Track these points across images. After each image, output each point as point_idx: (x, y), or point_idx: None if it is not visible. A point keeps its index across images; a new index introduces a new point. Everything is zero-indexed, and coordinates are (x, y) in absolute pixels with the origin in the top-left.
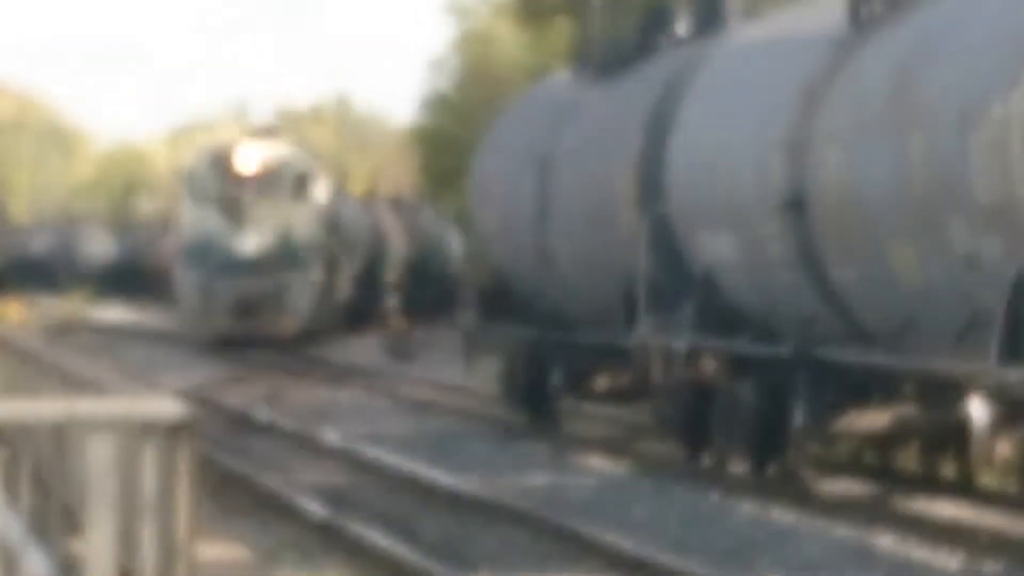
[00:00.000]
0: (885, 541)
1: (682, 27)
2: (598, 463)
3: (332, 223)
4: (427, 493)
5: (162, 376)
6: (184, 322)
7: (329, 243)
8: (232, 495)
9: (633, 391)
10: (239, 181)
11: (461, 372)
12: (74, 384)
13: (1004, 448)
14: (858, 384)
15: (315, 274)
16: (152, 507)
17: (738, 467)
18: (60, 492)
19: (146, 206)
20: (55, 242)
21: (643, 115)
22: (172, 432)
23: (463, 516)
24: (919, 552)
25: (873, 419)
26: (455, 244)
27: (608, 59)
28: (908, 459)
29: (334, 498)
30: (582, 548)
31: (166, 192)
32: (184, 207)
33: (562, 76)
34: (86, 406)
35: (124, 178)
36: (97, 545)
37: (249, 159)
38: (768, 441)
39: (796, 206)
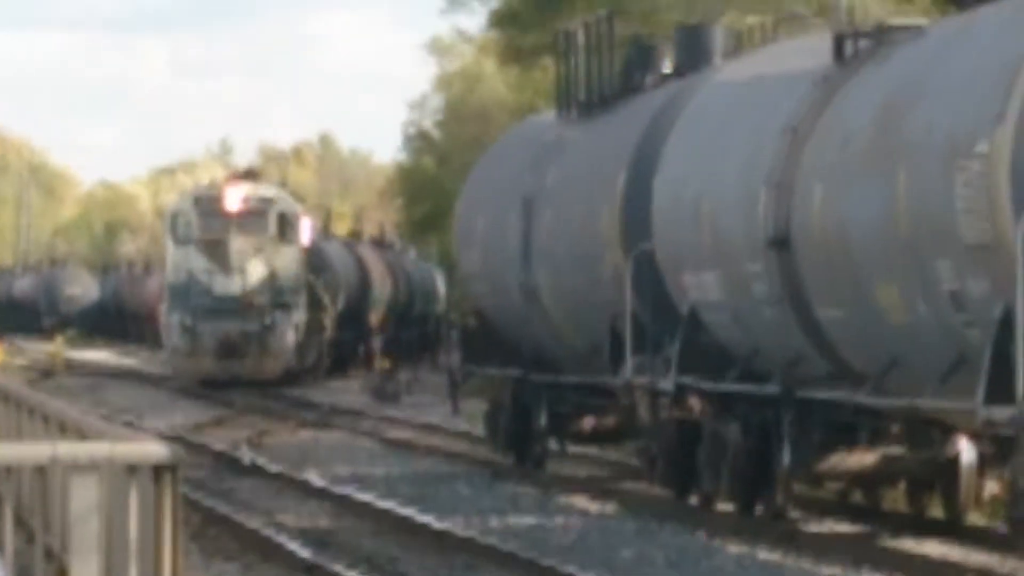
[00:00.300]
0: None
1: (666, 64)
2: (584, 504)
3: (316, 264)
4: (412, 534)
5: (145, 418)
6: (169, 363)
7: (313, 284)
8: (216, 537)
9: (619, 431)
10: (223, 222)
11: (446, 413)
12: (57, 426)
13: (992, 487)
14: (845, 424)
15: (299, 315)
16: (136, 548)
17: (725, 507)
18: (44, 535)
19: (128, 247)
20: (38, 283)
21: (627, 153)
22: (156, 473)
23: (448, 557)
24: None
25: (860, 459)
26: (439, 284)
27: (592, 97)
28: (896, 499)
29: (318, 540)
30: None
31: (149, 233)
32: (168, 248)
33: (546, 115)
34: (69, 448)
35: (107, 219)
36: None
37: (233, 200)
38: (755, 481)
39: (781, 244)
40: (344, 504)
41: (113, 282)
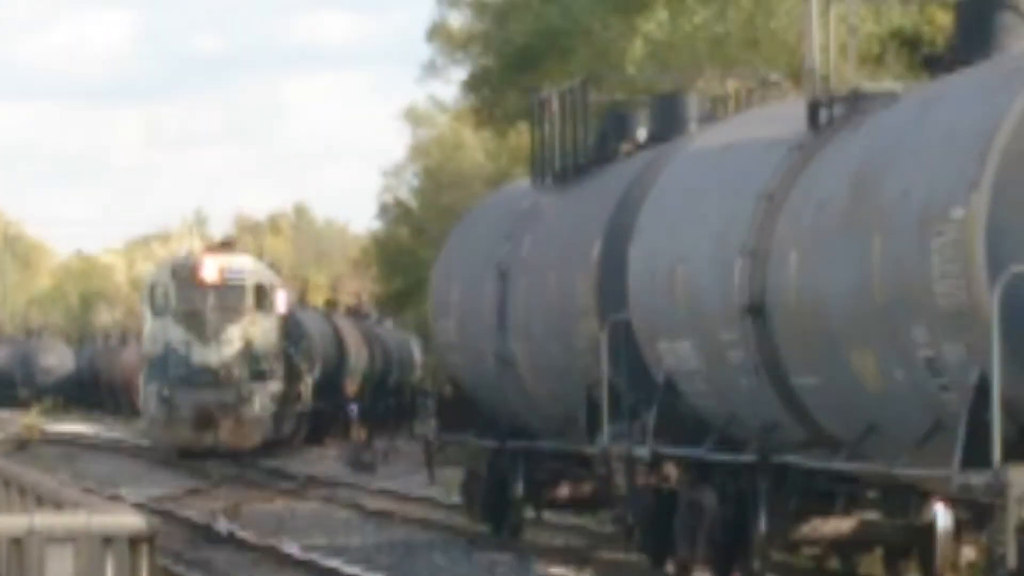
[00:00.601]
0: None
1: (641, 132)
2: (562, 572)
3: (293, 334)
4: None
5: (122, 489)
6: (147, 433)
7: (290, 354)
8: None
9: (596, 499)
10: (200, 293)
11: (422, 482)
12: (33, 497)
13: (968, 553)
14: (821, 490)
15: (276, 385)
16: None
17: (702, 574)
18: None
19: (104, 318)
20: (13, 354)
21: (602, 221)
22: (132, 544)
23: None
24: None
25: (837, 525)
26: (415, 353)
27: (567, 165)
28: (872, 565)
29: None
30: None
31: (124, 304)
32: (146, 319)
33: (521, 182)
34: (46, 519)
35: (82, 290)
36: None
37: (210, 271)
38: (731, 548)
39: (756, 312)
40: (320, 573)
41: (89, 353)
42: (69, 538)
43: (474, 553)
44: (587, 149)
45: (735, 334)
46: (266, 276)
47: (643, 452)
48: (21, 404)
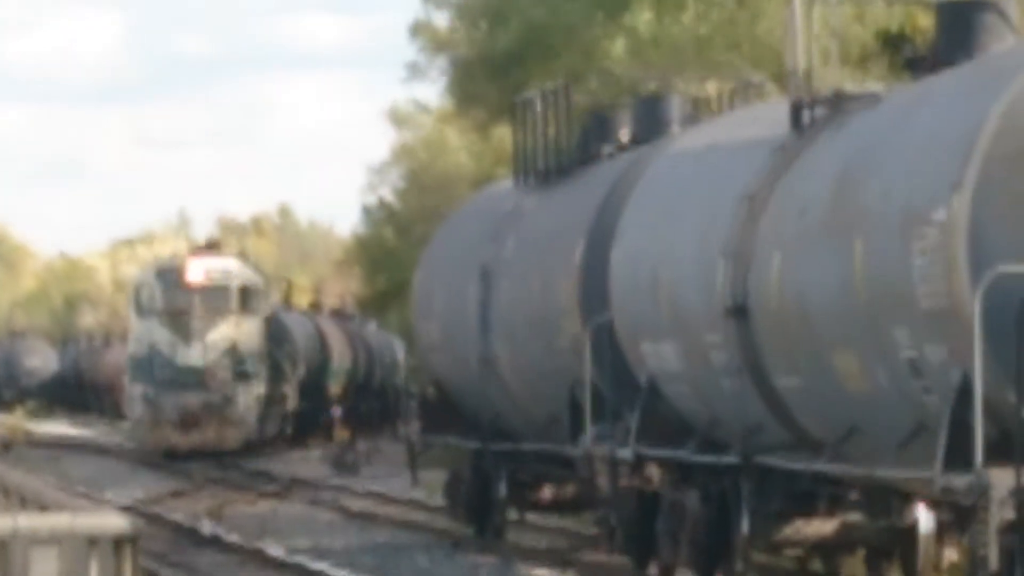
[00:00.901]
0: None
1: (624, 134)
2: (544, 574)
3: (277, 335)
4: None
5: (105, 490)
6: (132, 434)
7: (274, 355)
8: None
9: (578, 501)
10: (186, 294)
11: (405, 484)
12: (18, 499)
13: (950, 554)
14: (804, 492)
15: (260, 386)
16: None
17: None
18: None
19: (88, 319)
20: None
21: (585, 223)
22: (116, 545)
23: None
24: None
25: (819, 527)
26: (399, 355)
27: (550, 167)
28: (855, 567)
29: None
30: None
31: (108, 305)
32: (131, 320)
33: (504, 184)
34: (30, 520)
35: (66, 291)
36: None
37: (195, 272)
38: (714, 550)
39: (739, 313)
40: (304, 575)
41: (73, 354)
42: (53, 540)
43: (457, 555)
44: (570, 150)
45: (718, 336)
46: (251, 278)
47: (626, 454)
48: (5, 406)
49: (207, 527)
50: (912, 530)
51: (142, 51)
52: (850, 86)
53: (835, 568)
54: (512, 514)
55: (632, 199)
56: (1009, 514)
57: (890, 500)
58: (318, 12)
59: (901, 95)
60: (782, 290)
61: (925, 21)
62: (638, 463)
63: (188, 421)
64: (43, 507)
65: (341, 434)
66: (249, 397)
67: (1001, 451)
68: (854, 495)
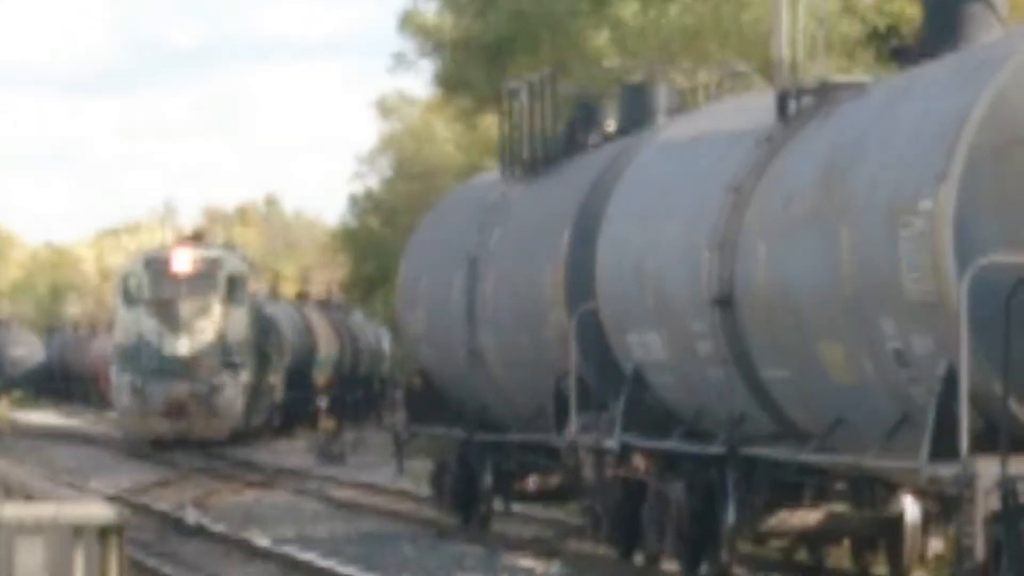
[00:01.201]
0: None
1: (610, 123)
2: (530, 563)
3: (264, 325)
4: None
5: (91, 480)
6: (119, 424)
7: (261, 345)
8: None
9: (564, 491)
10: (173, 284)
11: (391, 474)
12: (2, 488)
13: (936, 544)
14: (789, 482)
15: (247, 376)
16: None
17: (670, 566)
18: None
19: (74, 308)
20: None
21: (571, 213)
22: (102, 535)
23: None
24: None
25: (805, 517)
26: (385, 345)
27: (536, 156)
28: (840, 557)
29: None
30: None
31: (94, 294)
32: (118, 310)
33: (490, 174)
34: (15, 510)
35: (51, 280)
36: None
37: (183, 262)
38: (700, 540)
39: (725, 304)
40: (289, 565)
41: (58, 343)
42: (39, 529)
43: (443, 544)
44: (556, 140)
45: (704, 326)
46: (238, 267)
47: (612, 444)
48: None
49: (192, 516)
50: (898, 520)
51: (129, 41)
52: (836, 76)
53: (821, 558)
54: (498, 504)
55: (618, 189)
56: (995, 504)
57: (876, 490)
58: (306, 2)
59: (887, 85)
60: (768, 280)
61: (911, 11)
62: (624, 453)
63: (175, 410)
64: (28, 497)
65: (327, 424)
66: (236, 387)
67: (987, 441)
68: (840, 485)
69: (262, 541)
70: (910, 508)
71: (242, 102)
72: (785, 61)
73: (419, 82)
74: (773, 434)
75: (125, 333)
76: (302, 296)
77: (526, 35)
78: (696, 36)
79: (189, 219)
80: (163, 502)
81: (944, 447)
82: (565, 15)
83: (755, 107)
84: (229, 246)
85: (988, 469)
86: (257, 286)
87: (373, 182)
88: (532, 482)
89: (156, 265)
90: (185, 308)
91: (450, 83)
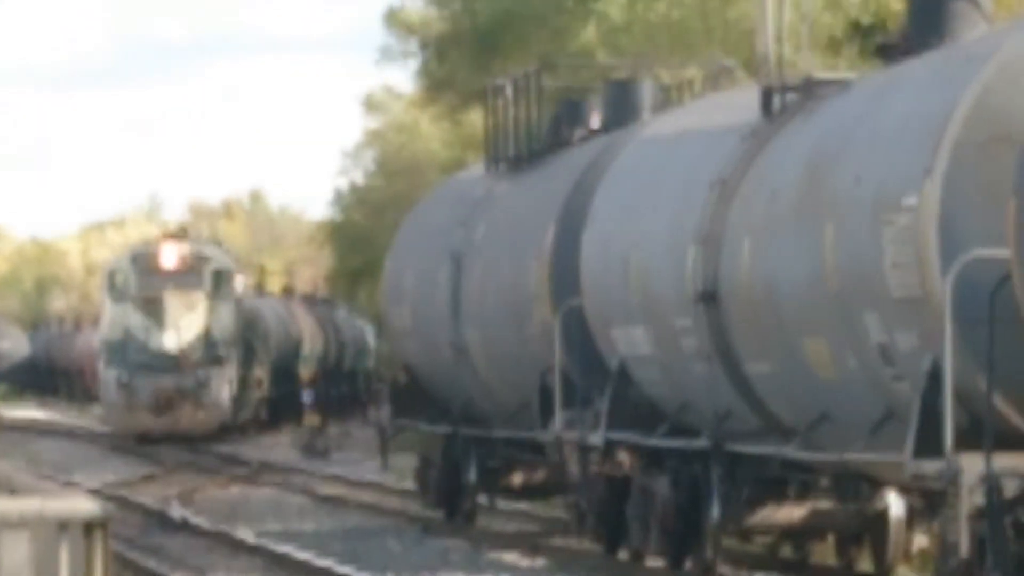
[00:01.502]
0: None
1: (595, 119)
2: (514, 559)
3: (250, 320)
4: None
5: (76, 474)
6: (106, 419)
7: (247, 340)
8: None
9: (549, 486)
10: (159, 279)
11: (375, 468)
12: None
13: (920, 540)
14: (774, 478)
15: (233, 370)
16: None
17: (654, 562)
18: None
19: (59, 303)
20: None
21: (556, 208)
22: (87, 530)
23: None
24: None
25: (789, 512)
26: (369, 340)
27: (521, 152)
28: (825, 552)
29: None
30: None
31: (79, 289)
32: (105, 305)
33: (475, 169)
34: (0, 504)
35: (37, 275)
36: None
37: (169, 257)
38: (684, 535)
39: (709, 299)
40: (274, 560)
41: (44, 338)
42: (23, 523)
43: (427, 539)
44: (541, 136)
45: (688, 321)
46: (225, 263)
47: (596, 439)
48: None
49: (177, 511)
50: (882, 516)
51: (116, 35)
52: (821, 72)
53: (805, 554)
54: (482, 499)
55: (603, 184)
56: (979, 500)
57: (860, 486)
58: None
59: (872, 81)
60: (752, 276)
61: (896, 6)
62: (608, 448)
63: (162, 405)
64: (13, 491)
65: (311, 419)
66: (222, 381)
67: (971, 437)
68: (824, 481)
69: (247, 536)
70: (894, 504)
71: (226, 97)
72: (770, 57)
73: (405, 76)
74: (758, 430)
75: (112, 328)
76: (288, 291)
77: (512, 31)
78: (683, 31)
79: (174, 214)
80: (148, 497)
81: (928, 443)
82: (551, 11)
83: (740, 103)
84: (214, 241)
85: (972, 465)
86: (245, 281)
87: (358, 177)
88: (517, 477)
89: (143, 261)
90: (172, 303)
91: (435, 80)
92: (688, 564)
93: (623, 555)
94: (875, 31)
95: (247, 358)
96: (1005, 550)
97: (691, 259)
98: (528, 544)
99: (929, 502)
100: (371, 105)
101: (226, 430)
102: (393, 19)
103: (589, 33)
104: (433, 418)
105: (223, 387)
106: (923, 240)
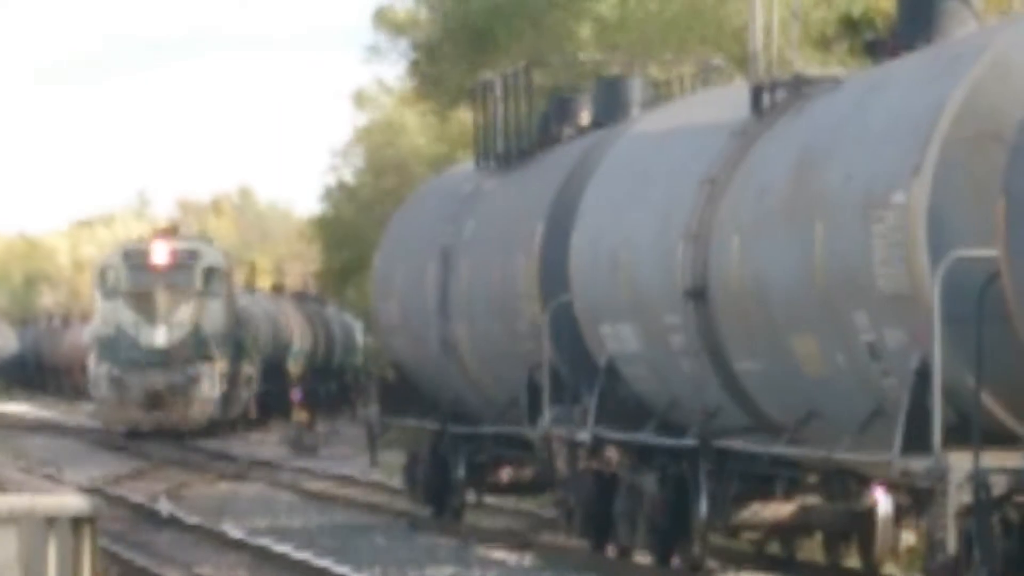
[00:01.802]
0: None
1: (584, 116)
2: (502, 555)
3: (240, 316)
4: None
5: (64, 470)
6: (97, 414)
7: (237, 336)
8: None
9: (537, 483)
10: (151, 276)
11: (364, 465)
12: None
13: (908, 538)
14: (762, 475)
15: (224, 366)
16: None
17: (642, 558)
18: None
19: (47, 299)
20: None
21: (545, 205)
22: (75, 526)
23: None
24: None
25: (777, 509)
26: (358, 337)
27: (510, 149)
28: (812, 549)
29: None
30: None
31: (67, 285)
32: (97, 301)
33: (465, 166)
34: None
35: (25, 271)
36: None
37: (161, 254)
38: (672, 532)
39: (699, 296)
40: (262, 556)
41: (32, 334)
42: (12, 520)
43: (415, 536)
44: (530, 133)
45: (677, 318)
46: (216, 259)
47: (584, 436)
48: None
49: (166, 508)
50: (870, 513)
51: (106, 31)
52: (810, 70)
53: (793, 551)
54: (471, 496)
55: (592, 182)
56: (967, 498)
57: (848, 484)
58: None
59: (861, 79)
60: (742, 273)
61: (886, 4)
62: (596, 445)
63: (153, 401)
64: (1, 487)
65: (300, 416)
66: (213, 377)
67: (959, 435)
68: (812, 478)
69: (235, 532)
70: (882, 501)
71: (216, 93)
72: (759, 54)
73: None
74: (746, 427)
75: (103, 324)
76: (278, 288)
77: (503, 29)
78: (675, 29)
79: (163, 210)
80: (137, 493)
81: (916, 440)
82: (543, 8)
83: (730, 100)
84: (204, 238)
85: (960, 463)
86: (237, 278)
87: (347, 174)
88: (505, 474)
89: (134, 257)
90: (163, 300)
91: (424, 76)
92: (675, 561)
93: (611, 552)
94: (865, 26)
95: (237, 355)
96: (992, 547)
97: (680, 256)
98: (516, 540)
99: (917, 499)
100: (361, 101)
101: (215, 426)
102: (382, 18)
103: (585, 30)
104: (421, 414)
105: (213, 383)
106: (912, 237)
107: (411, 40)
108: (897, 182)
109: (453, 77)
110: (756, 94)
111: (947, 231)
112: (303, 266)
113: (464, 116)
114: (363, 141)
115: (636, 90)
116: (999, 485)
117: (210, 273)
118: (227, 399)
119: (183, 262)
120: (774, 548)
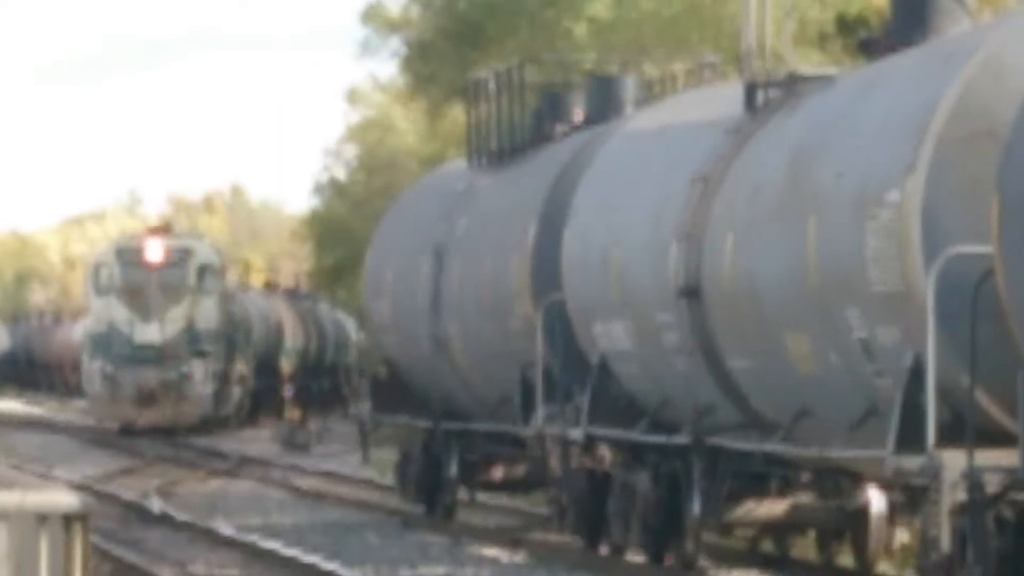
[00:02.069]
0: None
1: (577, 114)
2: (495, 553)
3: (233, 314)
4: None
5: (56, 468)
6: (90, 410)
7: (230, 334)
8: None
9: (529, 481)
10: (144, 273)
11: (356, 463)
12: None
13: (902, 536)
14: (755, 473)
15: (217, 363)
16: None
17: (635, 557)
18: None
19: (38, 296)
20: None
21: (538, 203)
22: (66, 523)
23: None
24: None
25: (770, 507)
26: (351, 334)
27: (503, 146)
28: (805, 547)
29: None
30: None
31: (58, 282)
32: (90, 298)
33: (457, 163)
34: None
35: (16, 268)
36: None
37: (154, 251)
38: (665, 530)
39: (691, 294)
40: (254, 553)
41: (23, 332)
42: (3, 516)
43: (407, 534)
44: (523, 130)
45: (670, 316)
46: (209, 257)
47: (577, 434)
48: None
49: (157, 505)
50: (864, 512)
51: (99, 30)
52: (804, 68)
53: (786, 549)
54: (463, 493)
55: (585, 179)
56: (961, 496)
57: (841, 482)
58: None
59: (855, 77)
60: (735, 271)
61: (880, 2)
62: (589, 443)
63: (146, 398)
64: None
65: (292, 413)
66: (206, 374)
67: (953, 433)
68: (805, 476)
69: (227, 529)
70: (876, 499)
71: (207, 91)
72: (753, 52)
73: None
74: (739, 425)
75: (96, 321)
76: (270, 286)
77: (497, 26)
78: (672, 27)
79: (154, 208)
80: (128, 490)
81: (910, 439)
82: (536, 6)
83: (723, 98)
84: (196, 235)
85: (954, 461)
86: (230, 276)
87: (340, 172)
88: (497, 472)
89: (128, 254)
90: (156, 297)
91: (417, 74)
92: (668, 559)
93: (604, 550)
94: (859, 24)
95: (230, 352)
96: (986, 546)
97: (673, 254)
98: (508, 538)
99: (910, 498)
100: (354, 97)
101: (207, 423)
102: (372, 15)
103: (581, 29)
104: (413, 412)
105: (206, 380)
106: (906, 235)
107: (403, 37)
108: (891, 180)
109: (445, 74)
110: (750, 92)
111: (941, 229)
112: (295, 264)
113: (457, 114)
114: (356, 139)
115: (629, 88)
116: (993, 483)
117: (203, 271)
118: (220, 396)
119: (176, 259)
120: (767, 546)
